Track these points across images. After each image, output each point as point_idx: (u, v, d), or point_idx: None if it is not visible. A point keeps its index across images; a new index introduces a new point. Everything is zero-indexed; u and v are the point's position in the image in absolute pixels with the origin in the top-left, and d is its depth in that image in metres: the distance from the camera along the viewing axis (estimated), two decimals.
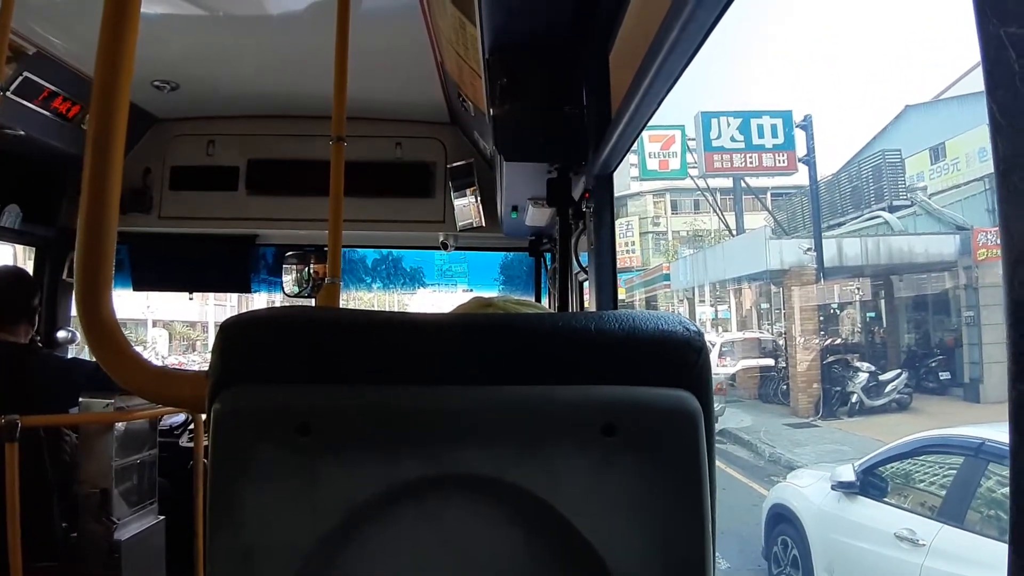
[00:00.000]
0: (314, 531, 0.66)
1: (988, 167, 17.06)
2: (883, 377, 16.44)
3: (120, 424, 2.82)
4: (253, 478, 0.67)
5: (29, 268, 3.82)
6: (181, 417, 3.81)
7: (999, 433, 5.23)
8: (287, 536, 0.67)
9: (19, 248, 4.74)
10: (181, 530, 3.07)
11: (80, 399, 2.81)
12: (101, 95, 1.11)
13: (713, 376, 0.76)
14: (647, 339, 0.72)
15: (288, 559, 0.66)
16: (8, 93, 2.82)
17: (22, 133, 3.11)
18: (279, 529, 0.67)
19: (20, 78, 2.88)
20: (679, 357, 0.72)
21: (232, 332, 0.73)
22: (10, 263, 4.16)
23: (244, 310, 0.85)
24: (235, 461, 0.67)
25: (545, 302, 4.11)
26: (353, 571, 0.68)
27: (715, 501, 0.71)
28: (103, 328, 1.06)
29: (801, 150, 20.71)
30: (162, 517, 3.04)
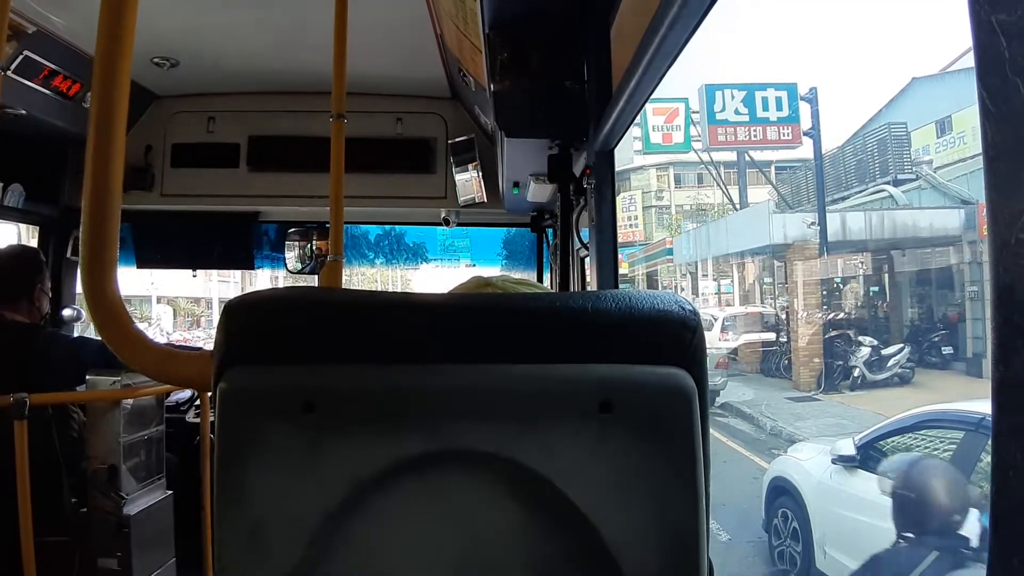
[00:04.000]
0: (319, 506, 0.68)
1: None
2: (885, 351, 16.41)
3: (127, 400, 2.85)
4: (259, 455, 0.68)
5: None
6: (188, 393, 3.84)
7: None
8: (293, 511, 0.68)
9: (22, 227, 4.75)
10: (189, 504, 3.11)
11: (87, 376, 2.84)
12: (102, 73, 1.11)
13: (716, 350, 0.77)
14: (643, 318, 0.73)
15: (294, 533, 0.68)
16: (8, 72, 2.80)
17: (23, 112, 3.09)
18: (285, 504, 0.68)
19: (20, 57, 2.86)
20: (674, 336, 0.73)
21: (236, 312, 0.74)
22: (13, 242, 4.17)
23: (248, 287, 0.86)
24: (241, 439, 0.69)
25: (547, 278, 4.12)
26: (357, 544, 0.70)
27: (709, 476, 0.73)
28: (108, 307, 1.07)
29: (806, 123, 20.56)
30: (170, 492, 3.08)
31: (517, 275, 1.07)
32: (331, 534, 0.69)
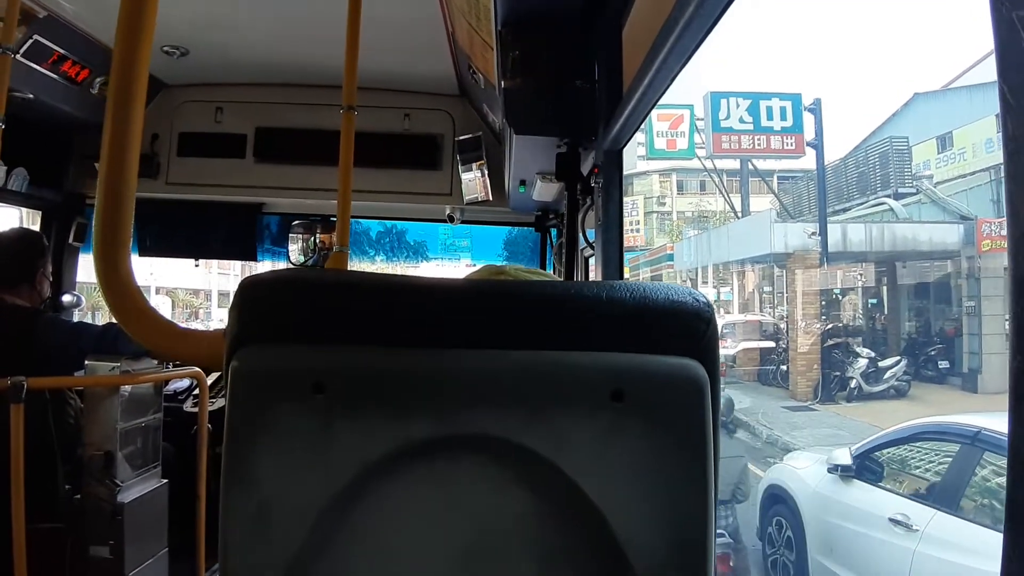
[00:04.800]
0: (327, 487, 0.68)
1: (995, 158, 16.91)
2: (883, 363, 16.44)
3: (125, 388, 2.84)
4: (269, 434, 0.68)
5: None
6: (186, 382, 3.84)
7: (996, 422, 5.22)
8: (301, 491, 0.68)
9: (24, 211, 4.73)
10: (183, 494, 3.10)
11: (86, 362, 2.83)
12: (121, 61, 1.12)
13: None
14: (657, 309, 0.74)
15: (301, 514, 0.68)
16: (18, 56, 2.78)
17: (31, 96, 3.08)
18: (293, 484, 0.68)
19: (30, 41, 2.85)
20: (688, 327, 0.73)
21: (250, 292, 0.74)
22: (15, 225, 4.16)
23: None
24: (252, 417, 0.69)
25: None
26: (364, 527, 0.69)
27: (718, 468, 0.73)
28: (122, 288, 1.08)
29: (809, 134, 20.57)
30: (165, 481, 3.06)
31: (527, 267, 1.07)
32: (338, 516, 0.69)
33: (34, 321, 2.99)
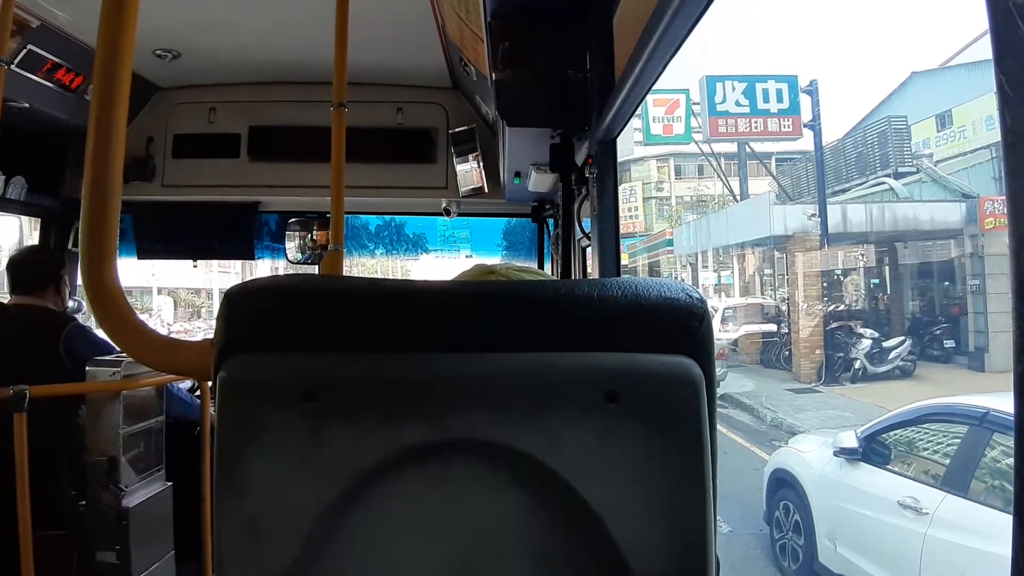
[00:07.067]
0: (319, 496, 0.67)
1: (995, 135, 16.78)
2: (887, 344, 16.46)
3: (127, 392, 2.84)
4: (259, 444, 0.68)
5: (34, 239, 3.83)
6: (187, 384, 3.84)
7: (1004, 403, 5.16)
8: (293, 501, 0.68)
9: (25, 220, 4.74)
10: (188, 496, 3.10)
11: (87, 367, 2.83)
12: (103, 65, 1.10)
13: (715, 341, 0.77)
14: (650, 306, 0.72)
15: (294, 523, 0.67)
16: (12, 66, 2.79)
17: (26, 105, 3.11)
18: (285, 494, 0.68)
19: (24, 51, 2.87)
20: (681, 324, 0.72)
21: (237, 300, 0.73)
22: (15, 234, 4.18)
23: (248, 277, 0.86)
24: (241, 428, 0.68)
25: (548, 268, 4.12)
26: (358, 534, 0.69)
27: (716, 466, 0.72)
28: (108, 297, 1.06)
29: (806, 115, 20.55)
30: (169, 483, 3.07)
31: (520, 264, 1.05)
32: (332, 525, 0.68)
33: (64, 327, 2.99)
